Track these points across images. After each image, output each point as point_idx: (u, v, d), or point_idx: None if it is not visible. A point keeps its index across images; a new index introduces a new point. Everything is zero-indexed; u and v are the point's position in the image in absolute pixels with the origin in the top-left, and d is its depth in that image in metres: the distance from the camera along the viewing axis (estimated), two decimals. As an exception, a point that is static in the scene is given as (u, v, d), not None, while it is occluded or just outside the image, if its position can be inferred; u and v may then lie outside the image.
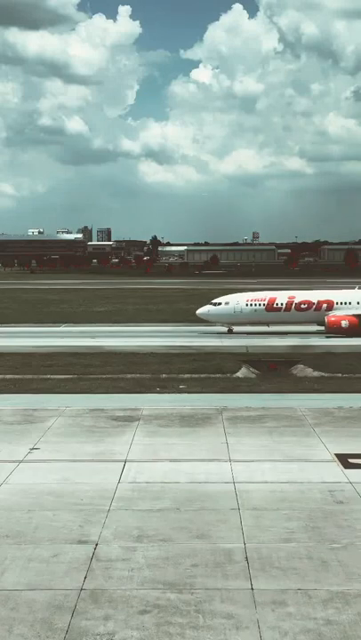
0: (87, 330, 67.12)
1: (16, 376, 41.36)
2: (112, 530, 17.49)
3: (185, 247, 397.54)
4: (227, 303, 63.40)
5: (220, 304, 63.46)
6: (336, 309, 63.05)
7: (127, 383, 39.29)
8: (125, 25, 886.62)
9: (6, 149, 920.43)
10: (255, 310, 63.20)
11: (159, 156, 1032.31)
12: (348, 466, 22.32)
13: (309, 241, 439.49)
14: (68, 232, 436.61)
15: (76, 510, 18.79)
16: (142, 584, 14.69)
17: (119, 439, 25.67)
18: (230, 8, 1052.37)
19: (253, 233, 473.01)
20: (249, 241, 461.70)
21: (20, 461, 23.15)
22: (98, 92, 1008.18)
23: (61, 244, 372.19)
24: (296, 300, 64.00)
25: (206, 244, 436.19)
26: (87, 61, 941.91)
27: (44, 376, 41.55)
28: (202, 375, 41.90)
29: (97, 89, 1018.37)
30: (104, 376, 41.34)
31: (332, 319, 61.52)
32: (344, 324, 60.87)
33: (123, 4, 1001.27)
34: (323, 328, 61.98)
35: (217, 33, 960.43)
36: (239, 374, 43.13)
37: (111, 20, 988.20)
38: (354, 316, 61.73)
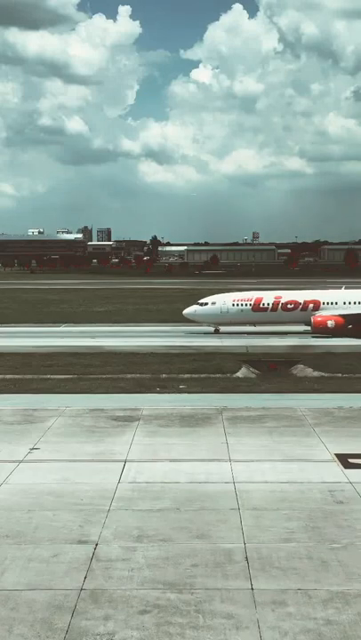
0: (87, 330, 67.10)
1: (16, 376, 41.35)
2: (112, 530, 17.49)
3: (185, 247, 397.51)
4: (213, 303, 63.35)
5: (206, 304, 63.41)
6: (323, 309, 63.02)
7: (127, 383, 39.28)
8: (125, 25, 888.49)
9: (6, 149, 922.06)
10: (242, 310, 63.17)
11: (159, 155, 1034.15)
12: (348, 466, 22.32)
13: (309, 241, 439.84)
14: (68, 232, 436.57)
15: (76, 510, 18.79)
16: (142, 584, 14.69)
17: (119, 439, 25.67)
18: (230, 8, 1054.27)
19: (253, 233, 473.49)
20: (249, 241, 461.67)
21: (20, 461, 23.15)
22: (98, 92, 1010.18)
23: (61, 244, 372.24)
24: (283, 300, 63.94)
25: (206, 243, 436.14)
26: (87, 61, 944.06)
27: (44, 376, 41.53)
28: (202, 375, 41.88)
29: (97, 89, 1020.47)
30: (104, 376, 41.33)
31: (319, 319, 61.50)
32: (330, 324, 60.86)
33: (123, 4, 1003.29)
34: (310, 328, 61.98)
35: (217, 33, 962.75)
36: (239, 374, 43.12)
37: (111, 20, 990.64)
38: (340, 315, 61.70)
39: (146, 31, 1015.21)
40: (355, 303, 63.86)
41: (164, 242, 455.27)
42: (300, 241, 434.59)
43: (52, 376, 41.38)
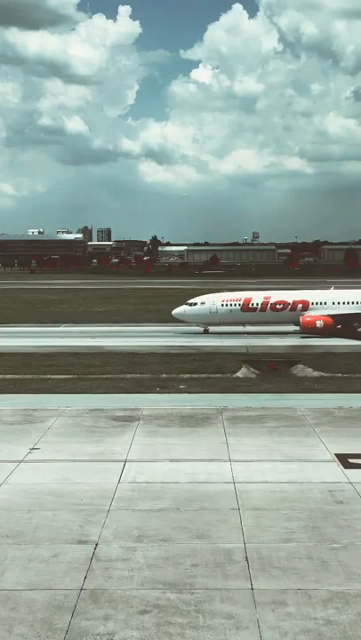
0: (87, 330, 67.07)
1: (16, 376, 41.35)
2: (112, 530, 17.50)
3: (185, 247, 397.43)
4: (202, 303, 63.30)
5: (195, 304, 63.34)
6: (312, 309, 63.01)
7: (127, 383, 39.27)
8: (125, 25, 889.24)
9: (6, 149, 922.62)
10: (231, 310, 63.13)
11: (159, 155, 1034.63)
12: (348, 466, 22.32)
13: (309, 241, 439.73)
14: (68, 232, 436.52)
15: (76, 510, 18.79)
16: (142, 584, 14.69)
17: (119, 439, 25.67)
18: (230, 8, 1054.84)
19: (253, 233, 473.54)
20: (249, 241, 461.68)
21: (20, 461, 23.15)
22: (98, 92, 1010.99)
23: (61, 244, 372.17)
24: (271, 301, 63.91)
25: (206, 243, 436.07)
26: (87, 61, 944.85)
27: (44, 376, 41.52)
28: (202, 375, 41.87)
29: (97, 89, 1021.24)
30: (104, 376, 41.31)
31: (307, 319, 61.49)
32: (319, 324, 60.85)
33: (123, 4, 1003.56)
34: (298, 328, 61.94)
35: (217, 33, 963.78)
36: (239, 374, 43.11)
37: (111, 20, 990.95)
38: (329, 316, 61.69)
39: (146, 31, 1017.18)
40: (343, 303, 63.87)
41: (164, 242, 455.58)
42: (300, 241, 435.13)
43: (52, 376, 41.37)
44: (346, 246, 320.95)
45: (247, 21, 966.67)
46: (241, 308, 63.28)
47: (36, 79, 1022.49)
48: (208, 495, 19.88)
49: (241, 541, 16.75)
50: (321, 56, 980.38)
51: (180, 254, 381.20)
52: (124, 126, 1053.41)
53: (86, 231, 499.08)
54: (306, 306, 63.33)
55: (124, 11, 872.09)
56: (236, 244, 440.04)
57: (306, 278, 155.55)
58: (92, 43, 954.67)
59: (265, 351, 52.74)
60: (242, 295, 65.25)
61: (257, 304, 63.55)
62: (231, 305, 63.31)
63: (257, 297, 64.52)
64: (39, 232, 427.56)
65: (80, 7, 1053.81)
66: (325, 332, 60.40)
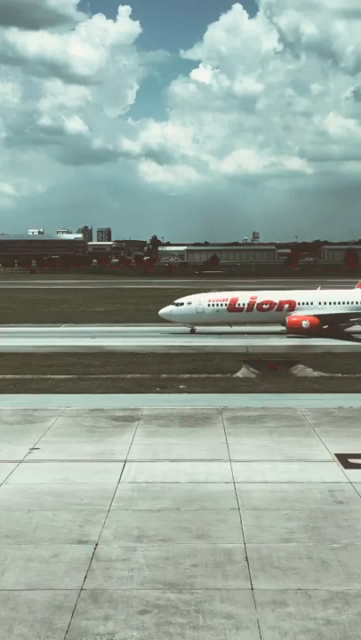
0: (87, 330, 67.09)
1: (16, 376, 41.36)
2: (112, 530, 17.49)
3: (185, 247, 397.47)
4: (189, 303, 63.29)
5: (182, 304, 63.33)
6: (298, 309, 63.06)
7: (127, 383, 39.28)
8: (125, 25, 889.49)
9: (6, 149, 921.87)
10: (217, 310, 63.11)
11: (159, 155, 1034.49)
12: (348, 466, 22.32)
13: (309, 241, 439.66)
14: (68, 232, 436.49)
15: (76, 510, 18.79)
16: (142, 584, 14.69)
17: (119, 439, 25.67)
18: (230, 8, 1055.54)
19: (253, 233, 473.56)
20: (249, 241, 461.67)
21: (20, 461, 23.15)
22: (98, 92, 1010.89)
23: (61, 244, 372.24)
24: (258, 301, 63.90)
25: (206, 243, 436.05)
26: (87, 61, 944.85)
27: (44, 376, 41.54)
28: (202, 375, 41.89)
29: (97, 89, 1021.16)
30: (104, 376, 41.33)
31: (293, 319, 61.53)
32: (305, 324, 60.86)
33: (123, 4, 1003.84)
34: (285, 328, 62.02)
35: (217, 33, 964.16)
36: (239, 374, 43.12)
37: (111, 20, 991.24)
38: (315, 316, 61.75)
39: (146, 31, 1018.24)
40: (330, 303, 63.96)
41: (164, 242, 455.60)
42: (300, 241, 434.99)
43: (52, 376, 41.38)
44: (346, 246, 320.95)
45: (247, 21, 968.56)
46: (227, 308, 63.30)
47: (35, 79, 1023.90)
48: (208, 495, 19.88)
49: (241, 541, 16.75)
50: (321, 56, 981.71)
51: (180, 254, 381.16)
52: (124, 126, 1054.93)
53: (86, 231, 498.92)
54: (292, 306, 63.39)
55: (124, 11, 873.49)
56: (236, 243, 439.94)
57: (306, 278, 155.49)
58: (92, 43, 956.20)
59: (265, 351, 52.76)
60: (228, 295, 65.31)
61: (243, 304, 63.58)
62: (218, 305, 63.33)
63: (243, 297, 64.54)
64: (39, 232, 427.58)
65: (80, 7, 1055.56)
66: (311, 331, 60.46)
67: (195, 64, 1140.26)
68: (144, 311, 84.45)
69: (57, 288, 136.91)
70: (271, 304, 63.76)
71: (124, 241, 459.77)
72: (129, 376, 41.54)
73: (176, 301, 64.07)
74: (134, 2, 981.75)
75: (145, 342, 56.73)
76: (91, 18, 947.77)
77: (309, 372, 43.57)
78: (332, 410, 30.06)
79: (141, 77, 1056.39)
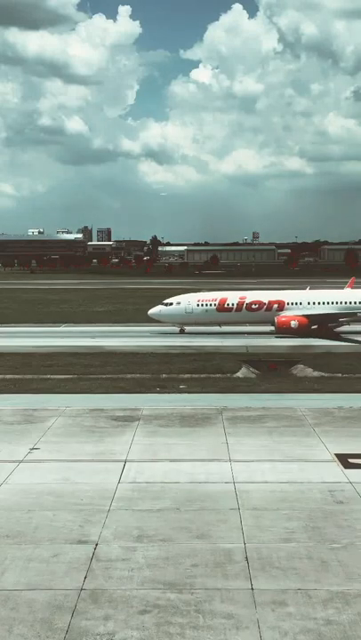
0: (87, 330, 67.11)
1: (16, 376, 41.36)
2: (112, 530, 17.49)
3: (185, 247, 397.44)
4: (178, 303, 63.31)
5: (171, 304, 63.36)
6: (287, 309, 63.08)
7: (127, 383, 39.28)
8: (125, 25, 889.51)
9: (6, 149, 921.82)
10: (206, 310, 63.13)
11: (159, 155, 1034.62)
12: (348, 466, 22.32)
13: (309, 241, 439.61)
14: (68, 232, 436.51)
15: (76, 510, 18.79)
16: (142, 584, 14.69)
17: (119, 439, 25.67)
18: (230, 8, 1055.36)
19: (253, 233, 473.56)
20: (249, 241, 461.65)
21: (20, 461, 23.15)
22: (98, 92, 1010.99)
23: (61, 244, 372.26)
24: (247, 301, 63.96)
25: (206, 243, 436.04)
26: (87, 61, 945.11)
27: (44, 376, 41.54)
28: (202, 375, 41.90)
29: (97, 89, 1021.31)
30: (104, 376, 41.33)
31: (282, 319, 61.55)
32: (293, 324, 60.87)
33: (123, 4, 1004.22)
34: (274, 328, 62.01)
35: (217, 33, 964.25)
36: (239, 374, 43.13)
37: (111, 20, 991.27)
38: (304, 316, 61.77)
39: (146, 31, 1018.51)
40: (319, 303, 63.95)
41: (164, 242, 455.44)
42: (300, 241, 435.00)
43: (52, 376, 41.39)
44: (346, 246, 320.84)
45: (247, 21, 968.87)
46: (216, 308, 63.35)
47: (35, 79, 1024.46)
48: (208, 495, 19.88)
49: (241, 541, 16.75)
50: (321, 56, 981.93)
51: (180, 254, 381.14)
52: (124, 126, 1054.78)
53: (86, 231, 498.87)
54: (281, 306, 63.42)
55: (124, 11, 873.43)
56: (236, 243, 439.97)
57: (306, 278, 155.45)
58: (92, 43, 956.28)
59: (265, 351, 52.77)
60: (218, 295, 65.38)
61: (232, 304, 63.63)
62: (207, 305, 63.35)
63: (232, 297, 64.58)
64: (39, 232, 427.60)
65: (80, 7, 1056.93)
66: (300, 331, 60.50)
67: (195, 64, 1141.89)
68: (144, 311, 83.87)
69: (57, 288, 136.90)
70: (260, 304, 63.78)
71: (124, 241, 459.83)
72: (129, 376, 41.54)
73: (165, 301, 64.10)
74: (134, 2, 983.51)
75: (145, 342, 56.75)
76: (91, 18, 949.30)
77: (309, 371, 43.57)
78: (332, 410, 30.05)
79: (141, 77, 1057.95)
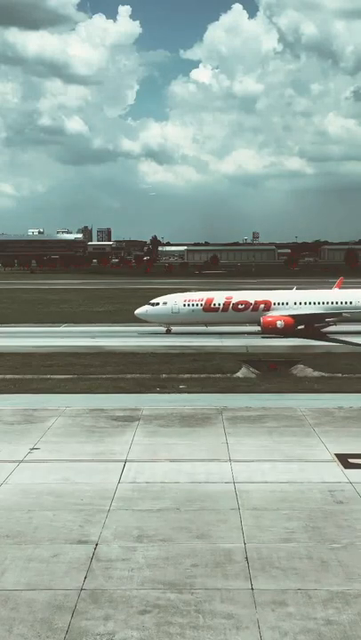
0: (87, 330, 67.09)
1: (16, 376, 41.36)
2: (112, 530, 17.50)
3: (185, 247, 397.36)
4: (165, 303, 63.21)
5: (158, 304, 63.27)
6: (273, 309, 62.95)
7: (127, 383, 39.27)
8: (125, 25, 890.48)
9: (6, 149, 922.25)
10: (193, 311, 63.02)
11: (159, 155, 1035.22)
12: (348, 466, 22.32)
13: (309, 241, 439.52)
14: (68, 232, 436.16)
15: (76, 510, 18.79)
16: (142, 584, 14.69)
17: (119, 439, 25.67)
18: (230, 8, 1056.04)
19: (253, 233, 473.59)
20: (249, 241, 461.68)
21: (20, 461, 23.15)
22: (98, 92, 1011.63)
23: (61, 244, 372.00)
24: (233, 301, 63.83)
25: (206, 243, 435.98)
26: (87, 61, 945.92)
27: (44, 376, 41.53)
28: (202, 375, 41.89)
29: (97, 89, 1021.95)
30: (104, 376, 41.32)
31: (268, 319, 61.45)
32: (279, 324, 60.79)
33: (123, 4, 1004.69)
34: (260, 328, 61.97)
35: (217, 33, 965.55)
36: (239, 374, 43.12)
37: (111, 20, 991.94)
38: (290, 316, 61.70)
39: (146, 31, 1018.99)
40: (305, 303, 63.86)
41: (164, 242, 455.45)
42: (300, 241, 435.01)
43: (52, 376, 41.38)
44: (346, 246, 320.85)
45: (247, 21, 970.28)
46: (203, 309, 63.25)
47: (35, 79, 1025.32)
48: (208, 495, 19.88)
49: (241, 541, 16.75)
50: (321, 56, 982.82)
51: (180, 254, 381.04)
52: (124, 126, 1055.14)
53: (86, 231, 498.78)
54: (268, 306, 63.30)
55: (124, 11, 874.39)
56: (236, 244, 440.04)
57: (306, 278, 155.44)
58: (92, 43, 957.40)
59: (265, 351, 52.75)
60: (204, 295, 65.30)
61: (219, 304, 63.55)
62: (193, 305, 63.26)
63: (219, 297, 64.48)
64: (39, 232, 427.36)
65: (80, 7, 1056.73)
66: (286, 332, 60.47)
67: (195, 64, 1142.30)
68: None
69: (57, 288, 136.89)
70: (247, 304, 63.69)
71: (124, 241, 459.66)
72: (129, 376, 41.53)
73: (152, 301, 64.02)
74: (134, 2, 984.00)
75: (145, 342, 56.75)
76: (91, 18, 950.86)
77: (309, 371, 43.57)
78: (332, 410, 30.06)
79: (141, 77, 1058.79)
